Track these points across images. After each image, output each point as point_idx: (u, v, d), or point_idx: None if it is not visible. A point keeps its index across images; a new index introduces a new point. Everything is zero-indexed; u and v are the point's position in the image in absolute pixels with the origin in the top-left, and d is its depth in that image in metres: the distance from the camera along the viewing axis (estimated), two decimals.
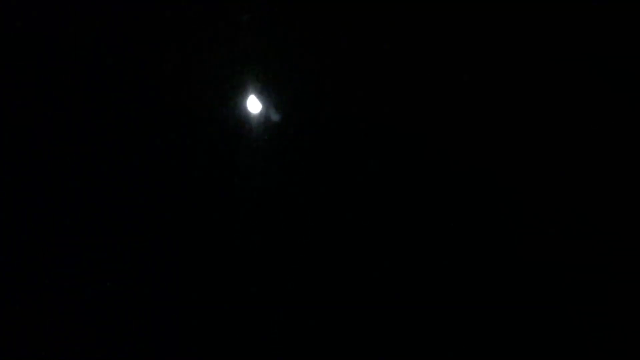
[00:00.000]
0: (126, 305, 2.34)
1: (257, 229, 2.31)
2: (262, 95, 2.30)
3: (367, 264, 2.32)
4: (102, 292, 2.35)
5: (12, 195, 2.37)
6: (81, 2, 2.36)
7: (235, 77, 2.29)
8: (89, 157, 2.32)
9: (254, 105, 2.29)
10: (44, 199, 2.36)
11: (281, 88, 2.31)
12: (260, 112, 2.28)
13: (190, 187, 2.32)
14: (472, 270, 2.35)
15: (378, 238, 2.32)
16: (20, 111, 2.39)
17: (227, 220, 2.32)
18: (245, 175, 2.30)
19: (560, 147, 2.37)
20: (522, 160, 2.38)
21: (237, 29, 2.29)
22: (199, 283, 2.31)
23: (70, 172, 2.37)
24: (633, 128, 2.35)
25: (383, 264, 2.33)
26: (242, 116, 2.30)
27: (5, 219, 2.36)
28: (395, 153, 2.32)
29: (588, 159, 2.36)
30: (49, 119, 2.37)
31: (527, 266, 2.35)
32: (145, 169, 2.33)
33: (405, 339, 2.33)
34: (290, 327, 2.34)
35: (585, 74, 2.37)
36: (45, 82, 2.38)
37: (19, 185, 2.37)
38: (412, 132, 2.33)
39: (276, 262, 2.31)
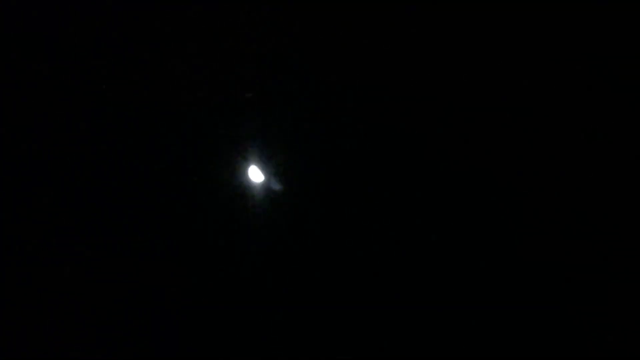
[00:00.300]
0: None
1: (256, 298, 2.38)
2: (264, 166, 2.38)
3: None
4: (102, 294, 2.36)
5: (12, 195, 2.37)
6: (81, 3, 2.37)
7: (239, 149, 2.39)
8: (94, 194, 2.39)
9: (255, 175, 2.36)
10: (42, 199, 2.37)
11: (282, 160, 2.40)
12: (262, 182, 2.36)
13: (194, 253, 2.39)
14: (472, 271, 2.36)
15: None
16: (20, 111, 2.39)
17: (227, 289, 2.39)
18: (247, 244, 2.40)
19: (560, 147, 2.37)
20: (522, 160, 2.38)
21: (241, 107, 2.39)
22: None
23: (70, 179, 2.38)
24: (633, 128, 2.36)
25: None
26: (245, 186, 2.38)
27: (5, 219, 2.36)
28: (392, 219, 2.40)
29: (588, 159, 2.37)
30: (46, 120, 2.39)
31: (527, 266, 2.35)
32: (150, 234, 2.41)
33: (406, 339, 2.34)
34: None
35: (585, 74, 2.38)
36: (45, 82, 2.39)
37: (19, 185, 2.37)
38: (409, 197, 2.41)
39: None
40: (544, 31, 2.37)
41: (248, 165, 2.39)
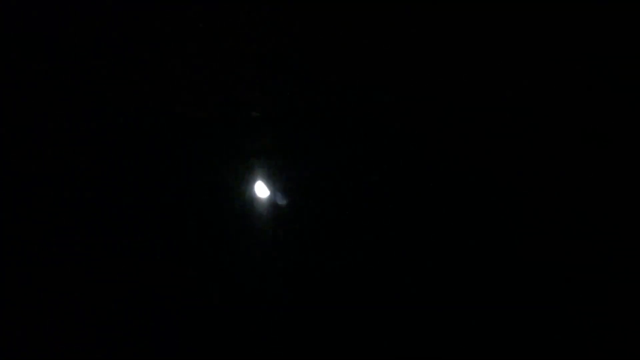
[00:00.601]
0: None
1: (261, 311, 2.38)
2: (269, 182, 2.39)
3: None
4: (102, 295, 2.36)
5: (12, 195, 2.37)
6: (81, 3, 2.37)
7: (245, 167, 2.40)
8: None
9: (261, 191, 2.37)
10: (42, 199, 2.37)
11: (286, 176, 2.41)
12: (268, 198, 2.37)
13: (198, 266, 2.39)
14: (472, 271, 2.36)
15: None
16: (20, 111, 2.39)
17: (232, 303, 2.39)
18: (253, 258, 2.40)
19: (560, 147, 2.37)
20: (522, 160, 2.38)
21: (249, 125, 2.40)
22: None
23: (71, 176, 2.38)
24: (633, 128, 2.36)
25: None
26: (251, 201, 2.39)
27: (5, 219, 2.36)
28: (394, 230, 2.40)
29: (588, 159, 2.37)
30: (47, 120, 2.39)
31: (527, 266, 2.35)
32: (155, 249, 2.40)
33: (406, 339, 2.34)
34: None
35: (585, 74, 2.38)
36: (45, 82, 2.39)
37: (18, 185, 2.37)
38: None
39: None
40: (544, 31, 2.37)
41: (254, 180, 2.39)
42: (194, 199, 2.38)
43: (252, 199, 2.38)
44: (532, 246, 2.36)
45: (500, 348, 2.32)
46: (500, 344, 2.32)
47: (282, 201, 2.37)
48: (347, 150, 2.40)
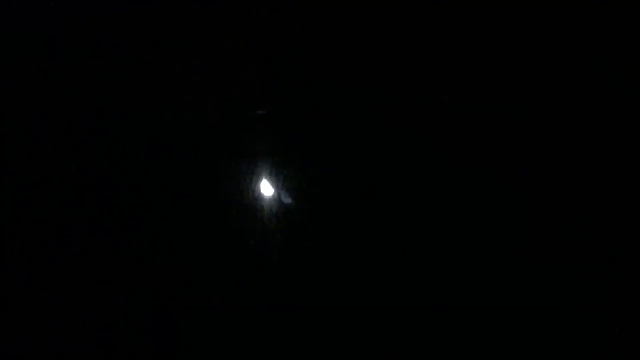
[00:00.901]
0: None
1: (263, 310, 2.38)
2: (271, 182, 2.38)
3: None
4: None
5: (12, 195, 2.37)
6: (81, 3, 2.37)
7: (246, 167, 2.40)
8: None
9: (266, 189, 2.37)
10: (41, 201, 2.37)
11: (287, 176, 2.41)
12: (272, 196, 2.36)
13: (200, 270, 2.38)
14: (472, 271, 2.36)
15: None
16: (20, 111, 2.40)
17: (235, 302, 2.38)
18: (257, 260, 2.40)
19: (560, 147, 2.37)
20: (522, 160, 2.38)
21: (252, 121, 2.40)
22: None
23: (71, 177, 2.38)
24: (633, 128, 2.36)
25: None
26: (255, 199, 2.38)
27: (5, 219, 2.36)
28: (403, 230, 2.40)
29: (588, 159, 2.37)
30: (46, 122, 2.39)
31: (527, 266, 2.35)
32: (156, 247, 2.39)
33: (407, 340, 2.34)
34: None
35: (585, 74, 2.38)
36: (45, 82, 2.39)
37: (19, 185, 2.37)
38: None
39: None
40: (544, 31, 2.37)
41: (255, 180, 2.38)
42: (193, 199, 2.38)
43: (253, 199, 2.38)
44: (532, 246, 2.36)
45: (501, 348, 2.32)
46: (500, 344, 2.32)
47: (286, 200, 2.37)
48: (347, 150, 2.40)
